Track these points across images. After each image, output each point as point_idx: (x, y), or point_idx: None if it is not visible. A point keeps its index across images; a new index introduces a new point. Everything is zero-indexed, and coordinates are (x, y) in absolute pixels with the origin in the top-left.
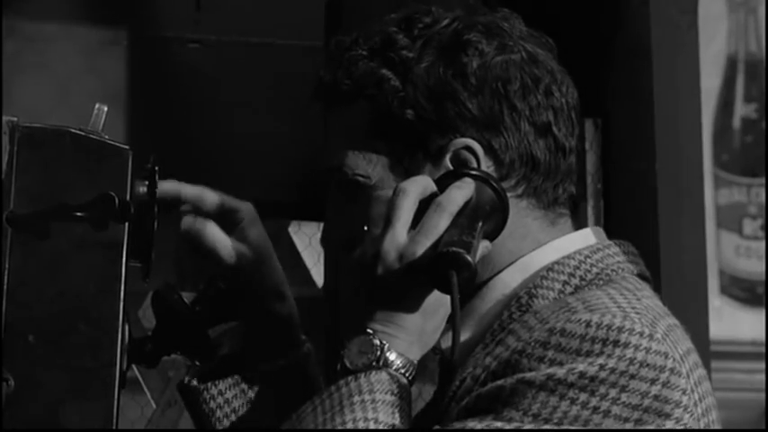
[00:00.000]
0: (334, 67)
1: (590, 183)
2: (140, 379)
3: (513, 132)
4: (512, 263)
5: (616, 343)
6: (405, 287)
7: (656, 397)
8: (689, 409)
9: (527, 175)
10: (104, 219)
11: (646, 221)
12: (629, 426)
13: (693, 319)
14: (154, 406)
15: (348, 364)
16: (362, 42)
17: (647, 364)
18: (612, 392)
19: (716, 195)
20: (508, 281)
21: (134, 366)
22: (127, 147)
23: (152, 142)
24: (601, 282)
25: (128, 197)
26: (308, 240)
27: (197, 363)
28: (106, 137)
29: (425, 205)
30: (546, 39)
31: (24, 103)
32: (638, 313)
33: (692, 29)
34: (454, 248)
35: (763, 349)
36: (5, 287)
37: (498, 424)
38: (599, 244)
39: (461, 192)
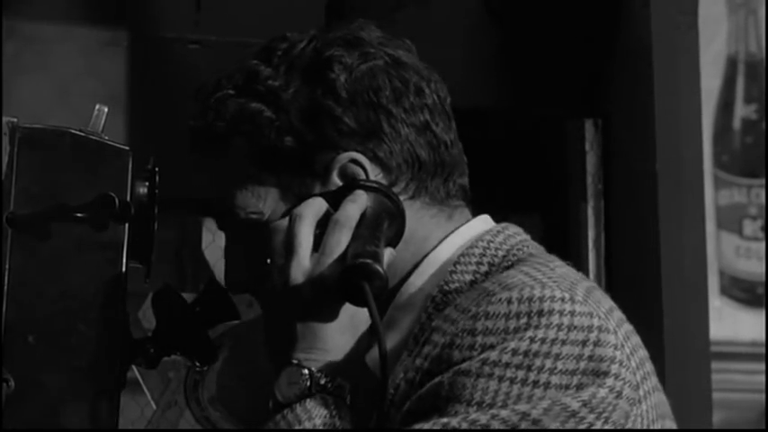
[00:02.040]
0: (203, 113)
1: (590, 183)
2: (140, 379)
3: (393, 137)
4: (417, 264)
5: (540, 313)
6: (318, 310)
7: (590, 358)
8: (624, 364)
9: (415, 176)
10: (104, 219)
11: (646, 222)
12: (571, 392)
13: (693, 319)
14: (154, 406)
15: (281, 398)
16: (226, 83)
17: (575, 327)
18: (548, 363)
19: (716, 196)
20: (418, 283)
21: (134, 367)
22: (127, 147)
23: (152, 143)
24: (509, 263)
25: (128, 198)
26: None
27: (197, 363)
28: (106, 137)
29: (323, 226)
30: (403, 41)
31: (24, 104)
32: (554, 282)
33: (693, 30)
34: (361, 260)
35: (763, 350)
36: (5, 287)
37: (444, 420)
38: (497, 227)
39: (355, 205)
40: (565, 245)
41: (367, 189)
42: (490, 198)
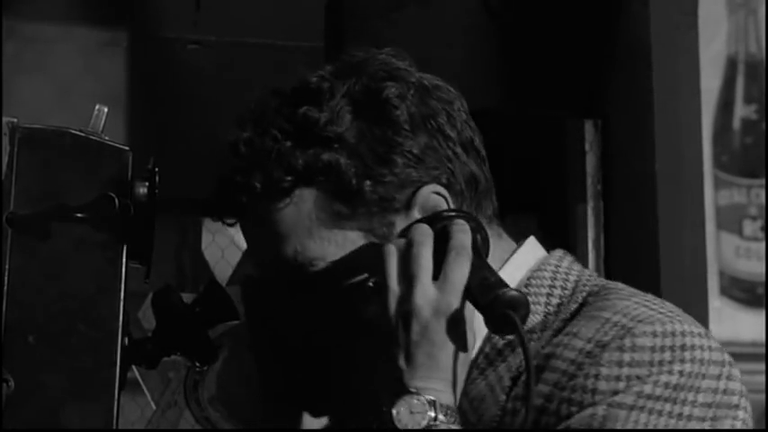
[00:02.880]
0: (258, 168)
1: (590, 184)
2: (140, 380)
3: (455, 161)
4: None
5: (683, 347)
6: (444, 340)
7: (724, 391)
8: (745, 395)
9: (474, 197)
10: (104, 219)
11: (645, 223)
12: (706, 425)
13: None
14: (154, 407)
15: (403, 427)
16: (278, 133)
17: (712, 362)
18: (690, 396)
19: (716, 196)
20: None
21: (134, 367)
22: (127, 147)
23: (152, 142)
24: (586, 293)
25: (128, 198)
26: None
27: (197, 363)
28: (106, 137)
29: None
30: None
31: (24, 104)
32: (678, 315)
33: (693, 30)
34: (505, 289)
35: (763, 350)
36: (5, 287)
37: None
38: (555, 254)
39: (467, 234)
40: (564, 245)
41: (465, 218)
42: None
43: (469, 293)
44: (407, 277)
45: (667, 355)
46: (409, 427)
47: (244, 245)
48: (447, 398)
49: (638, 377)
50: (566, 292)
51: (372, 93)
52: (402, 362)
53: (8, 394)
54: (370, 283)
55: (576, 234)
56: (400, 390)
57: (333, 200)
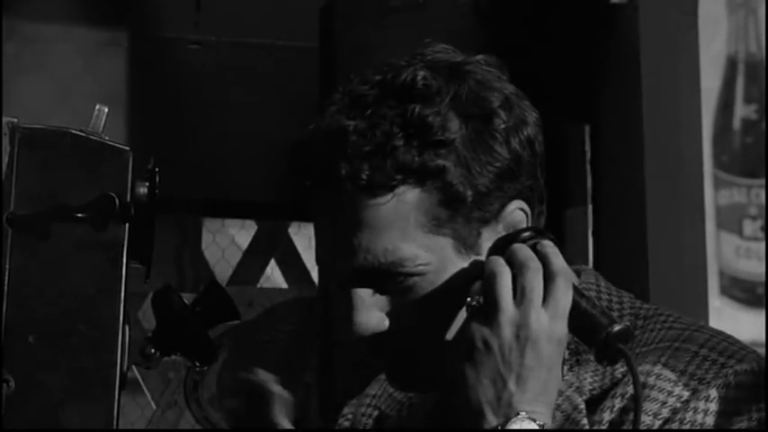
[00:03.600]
0: (367, 159)
1: (587, 187)
2: (140, 380)
3: (534, 176)
4: None
5: None
6: (554, 366)
7: None
8: None
9: (540, 213)
10: (105, 219)
11: (635, 225)
12: None
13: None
14: (154, 407)
15: None
16: (391, 129)
17: None
18: None
19: (716, 196)
20: None
21: (134, 367)
22: (127, 147)
23: (152, 142)
24: (633, 314)
25: (128, 198)
26: (307, 241)
27: (197, 363)
28: (106, 137)
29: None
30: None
31: (24, 104)
32: (751, 350)
33: (693, 30)
34: (619, 325)
35: (763, 350)
36: (5, 287)
37: None
38: (588, 274)
39: (560, 257)
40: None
41: (548, 238)
42: None
43: (571, 320)
44: (520, 301)
45: (761, 392)
46: None
47: (244, 245)
48: (550, 421)
49: (739, 413)
50: (614, 306)
51: (480, 101)
52: (513, 384)
53: (8, 394)
54: (474, 303)
55: (565, 238)
56: (508, 410)
57: (436, 204)
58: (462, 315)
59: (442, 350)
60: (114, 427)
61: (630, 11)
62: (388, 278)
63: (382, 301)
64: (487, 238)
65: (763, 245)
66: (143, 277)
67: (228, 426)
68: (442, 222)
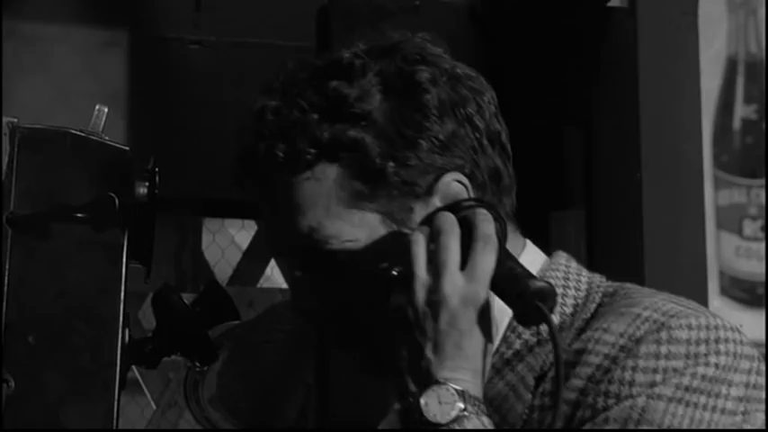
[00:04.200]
0: (282, 138)
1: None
2: (140, 380)
3: (480, 152)
4: None
5: (717, 340)
6: (471, 330)
7: (754, 386)
8: None
9: (496, 191)
10: (104, 219)
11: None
12: (738, 419)
13: None
14: (154, 407)
15: (432, 418)
16: (306, 105)
17: (744, 356)
18: (724, 389)
19: (716, 196)
20: (499, 303)
21: (134, 367)
22: (127, 148)
23: (152, 143)
24: (601, 293)
25: (128, 198)
26: None
27: (197, 363)
28: (106, 138)
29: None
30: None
31: (24, 104)
32: (707, 311)
33: (693, 30)
34: (533, 280)
35: (763, 350)
36: (5, 287)
37: None
38: (560, 257)
39: (491, 224)
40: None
41: (486, 208)
42: None
43: (495, 284)
44: (435, 266)
45: (702, 348)
46: (438, 419)
47: (244, 245)
48: (475, 388)
49: (674, 369)
50: (579, 293)
51: (405, 75)
52: (430, 351)
53: (8, 394)
54: (395, 272)
55: (559, 242)
56: (427, 379)
57: (354, 178)
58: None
59: (369, 325)
60: (114, 427)
61: (626, 15)
62: (319, 257)
63: (319, 279)
64: (421, 213)
65: (763, 245)
66: (143, 277)
67: (228, 426)
68: (365, 197)
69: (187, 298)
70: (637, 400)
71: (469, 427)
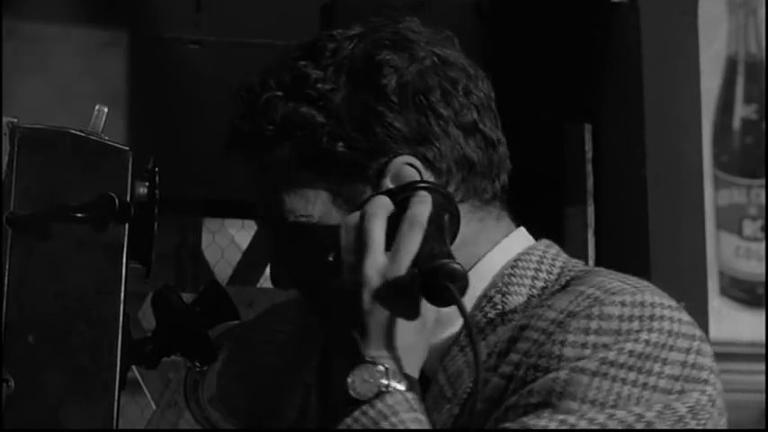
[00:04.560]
0: (250, 115)
1: (587, 186)
2: (140, 380)
3: (444, 140)
4: (471, 267)
5: (652, 317)
6: (394, 309)
7: (692, 365)
8: (717, 375)
9: (465, 178)
10: (104, 220)
11: (637, 225)
12: (672, 398)
13: (693, 319)
14: (154, 407)
15: (356, 395)
16: (274, 84)
17: (682, 334)
18: (656, 367)
19: (716, 196)
20: (473, 284)
21: (134, 367)
22: (127, 148)
23: (152, 143)
24: (570, 277)
25: (128, 198)
26: None
27: (197, 363)
28: (106, 138)
29: (392, 225)
30: (447, 33)
31: (24, 104)
32: (651, 288)
33: (693, 30)
34: (446, 261)
35: (762, 350)
36: (5, 287)
37: (561, 416)
38: (542, 243)
39: (424, 206)
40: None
41: (427, 190)
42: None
43: (417, 264)
44: (359, 248)
45: (635, 325)
46: (361, 396)
47: (244, 245)
48: (400, 365)
49: (604, 345)
50: (551, 276)
51: (368, 58)
52: (356, 332)
53: (8, 394)
54: (330, 258)
55: (565, 239)
56: (355, 359)
57: (305, 157)
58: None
59: (323, 306)
60: (114, 427)
61: (630, 11)
62: (280, 231)
63: (280, 250)
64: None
65: (763, 245)
66: (143, 277)
67: (228, 426)
68: (317, 176)
69: (187, 298)
70: (560, 373)
71: (390, 402)
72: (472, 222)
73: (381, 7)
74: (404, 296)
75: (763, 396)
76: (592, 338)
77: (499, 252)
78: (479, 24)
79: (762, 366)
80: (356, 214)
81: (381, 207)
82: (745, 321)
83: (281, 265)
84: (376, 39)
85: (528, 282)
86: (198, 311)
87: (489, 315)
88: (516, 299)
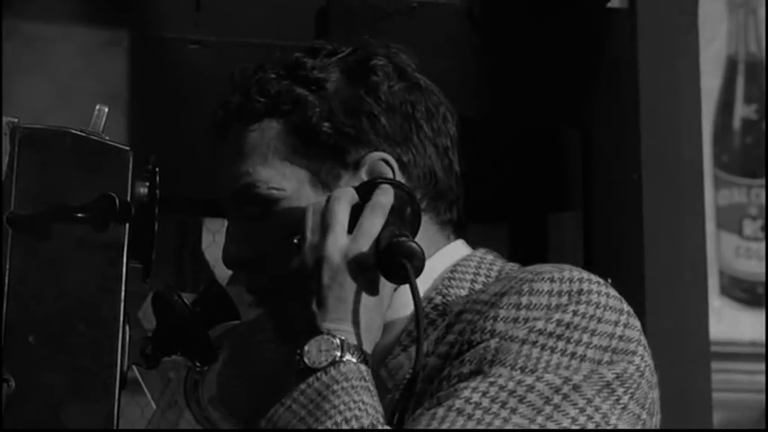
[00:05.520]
0: (242, 90)
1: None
2: (140, 379)
3: (419, 150)
4: None
5: (580, 291)
6: (352, 287)
7: (620, 337)
8: (646, 348)
9: (429, 192)
10: (105, 219)
11: (631, 227)
12: (603, 368)
13: (693, 319)
14: (154, 407)
15: (311, 364)
16: (270, 68)
17: (609, 307)
18: (585, 337)
19: (716, 196)
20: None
21: (134, 367)
22: (127, 147)
23: (152, 143)
24: (506, 275)
25: (128, 198)
26: None
27: (197, 363)
28: (106, 137)
29: (355, 213)
30: (426, 78)
31: (24, 104)
32: (580, 270)
33: (693, 30)
34: (403, 239)
35: (763, 350)
36: (6, 287)
37: (491, 379)
38: (480, 250)
39: (387, 197)
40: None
41: (395, 187)
42: (467, 207)
43: (377, 246)
44: (323, 229)
45: (564, 299)
46: (315, 365)
47: None
48: (356, 339)
49: (534, 318)
50: (489, 279)
51: (363, 61)
52: (314, 306)
53: (8, 394)
54: (295, 240)
55: (557, 244)
56: (311, 331)
57: (292, 132)
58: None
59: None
60: (114, 427)
61: (627, 15)
62: (246, 202)
63: (243, 231)
64: (348, 182)
65: (763, 245)
66: (143, 277)
67: (228, 426)
68: (299, 152)
69: (187, 298)
70: (491, 342)
71: (343, 369)
72: (428, 233)
73: (375, 11)
74: (363, 274)
75: (763, 396)
76: (523, 313)
77: (439, 258)
78: (472, 29)
79: (762, 366)
80: (322, 199)
81: (347, 194)
82: (746, 321)
83: (237, 239)
84: (372, 51)
85: (467, 284)
86: (198, 311)
87: (431, 316)
88: (454, 299)
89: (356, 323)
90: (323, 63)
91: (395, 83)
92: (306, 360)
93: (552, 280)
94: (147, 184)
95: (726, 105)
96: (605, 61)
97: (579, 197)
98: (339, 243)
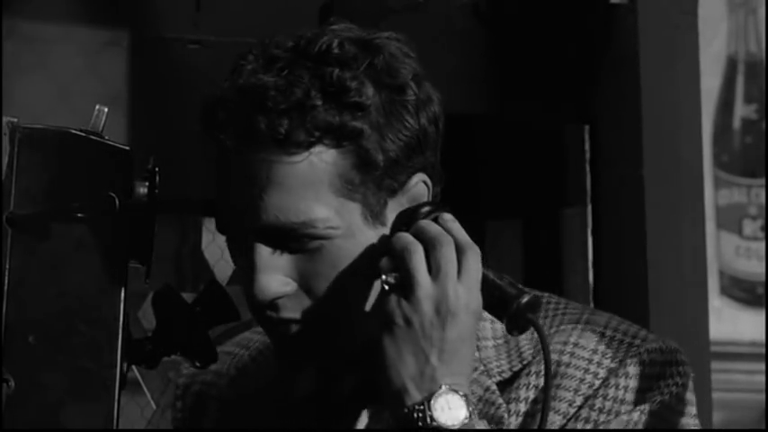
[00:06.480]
0: (288, 116)
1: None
2: (140, 380)
3: (435, 153)
4: None
5: (677, 363)
6: (472, 337)
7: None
8: None
9: (436, 194)
10: (105, 220)
11: (635, 225)
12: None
13: (693, 319)
14: (154, 407)
15: (444, 424)
16: (311, 89)
17: (690, 374)
18: (688, 408)
19: (716, 196)
20: None
21: (134, 367)
22: (127, 148)
23: (152, 143)
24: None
25: (128, 198)
26: None
27: (197, 363)
28: (107, 138)
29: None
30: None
31: (24, 104)
32: (659, 336)
33: (693, 30)
34: (527, 296)
35: (763, 350)
36: (5, 287)
37: None
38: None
39: (464, 231)
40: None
41: (449, 213)
42: (474, 204)
43: (482, 294)
44: (436, 275)
45: (673, 370)
46: (449, 424)
47: None
48: (468, 389)
49: (650, 389)
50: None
51: (393, 72)
52: (435, 358)
53: (8, 394)
54: (391, 279)
55: (564, 239)
56: (432, 385)
57: (350, 167)
58: (368, 287)
59: (345, 322)
60: (114, 427)
61: (630, 11)
62: (296, 239)
63: (286, 263)
64: (392, 209)
65: (763, 245)
66: (143, 277)
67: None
68: (355, 187)
69: (187, 298)
70: (632, 415)
71: (479, 427)
72: None
73: (380, 8)
74: (476, 324)
75: (763, 396)
76: (646, 384)
77: None
78: (478, 25)
79: (762, 366)
80: (411, 238)
81: (445, 234)
82: (746, 321)
83: (279, 273)
84: (391, 52)
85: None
86: (198, 311)
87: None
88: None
89: (468, 374)
90: (359, 79)
91: (416, 88)
92: (437, 419)
93: (662, 351)
94: (147, 184)
95: (726, 105)
96: (609, 57)
97: (588, 192)
98: (460, 295)
